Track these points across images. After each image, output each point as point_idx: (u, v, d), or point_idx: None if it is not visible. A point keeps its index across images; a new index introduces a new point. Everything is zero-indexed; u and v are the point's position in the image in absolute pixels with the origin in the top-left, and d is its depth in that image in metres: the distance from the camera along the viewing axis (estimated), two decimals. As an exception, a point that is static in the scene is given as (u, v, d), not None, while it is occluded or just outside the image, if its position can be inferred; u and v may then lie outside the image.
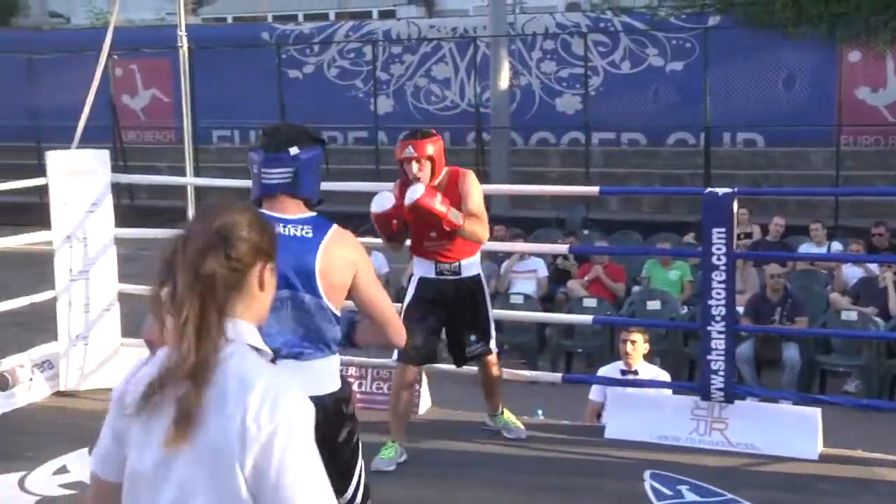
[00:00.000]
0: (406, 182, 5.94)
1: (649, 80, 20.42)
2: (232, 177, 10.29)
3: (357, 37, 23.06)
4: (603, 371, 7.63)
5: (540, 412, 7.23)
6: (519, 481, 5.72)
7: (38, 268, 7.64)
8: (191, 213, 10.20)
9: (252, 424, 2.12)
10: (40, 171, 7.62)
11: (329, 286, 3.71)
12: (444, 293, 6.10)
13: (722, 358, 6.15)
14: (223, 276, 2.28)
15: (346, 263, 3.75)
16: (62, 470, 6.29)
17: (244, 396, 2.16)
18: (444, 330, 6.25)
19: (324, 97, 22.40)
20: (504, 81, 19.86)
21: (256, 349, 2.37)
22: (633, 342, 7.28)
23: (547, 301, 12.00)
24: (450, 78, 22.39)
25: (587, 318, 9.46)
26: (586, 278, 12.05)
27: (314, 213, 3.84)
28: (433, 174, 5.95)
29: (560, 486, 5.69)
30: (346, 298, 3.87)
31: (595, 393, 7.35)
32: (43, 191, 7.60)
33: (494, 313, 8.01)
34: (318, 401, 2.98)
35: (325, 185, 4.16)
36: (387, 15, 25.83)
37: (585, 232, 14.55)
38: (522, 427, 6.37)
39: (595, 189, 11.69)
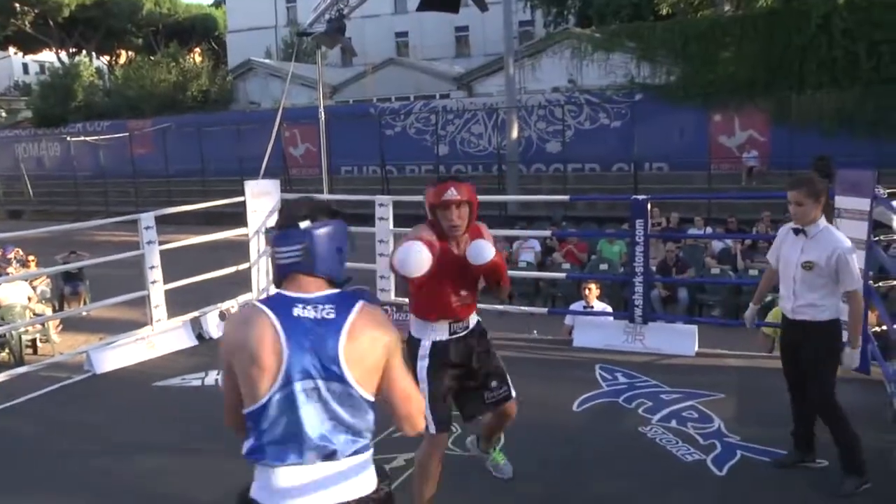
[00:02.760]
0: (433, 227, 3.45)
1: (601, 132, 20.44)
2: (346, 192, 10.52)
3: (426, 109, 23.11)
4: (572, 306, 7.67)
5: (535, 332, 7.26)
6: (517, 371, 5.81)
7: (241, 249, 7.75)
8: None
9: None
10: (241, 192, 7.69)
11: (361, 371, 2.15)
12: (458, 352, 3.55)
13: (641, 297, 6.24)
14: None
15: (377, 345, 2.18)
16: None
17: None
18: (456, 388, 3.64)
19: (406, 146, 22.54)
20: (514, 134, 19.83)
21: None
22: (590, 289, 7.34)
23: (540, 265, 12.04)
24: (482, 132, 22.39)
25: (563, 275, 9.56)
26: (563, 251, 12.12)
27: (337, 291, 2.27)
28: (470, 221, 3.47)
29: (546, 375, 5.77)
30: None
31: (568, 319, 7.39)
32: (242, 204, 7.69)
33: (510, 273, 7.83)
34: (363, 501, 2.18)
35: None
36: (444, 96, 25.85)
37: (564, 223, 14.53)
38: (510, 466, 4.07)
39: (566, 197, 11.80)
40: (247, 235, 7.70)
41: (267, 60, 33.63)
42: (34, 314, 10.48)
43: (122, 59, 45.40)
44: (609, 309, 7.40)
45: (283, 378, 2.11)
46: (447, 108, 23.20)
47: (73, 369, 6.55)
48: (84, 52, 43.80)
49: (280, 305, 2.17)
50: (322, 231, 2.25)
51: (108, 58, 46.71)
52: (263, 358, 2.10)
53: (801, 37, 18.63)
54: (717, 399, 5.03)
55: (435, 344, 3.53)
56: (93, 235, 17.36)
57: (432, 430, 3.43)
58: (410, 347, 3.55)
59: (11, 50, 48.15)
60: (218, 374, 6.14)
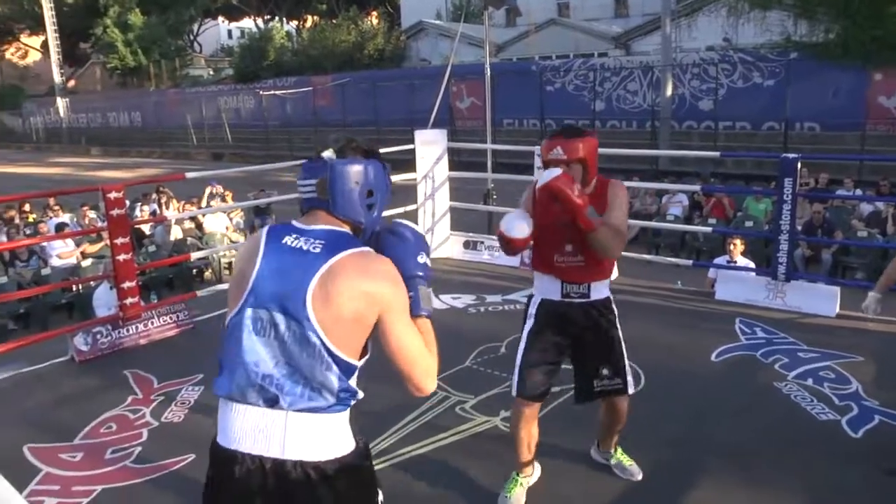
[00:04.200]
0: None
1: (753, 91, 19.16)
2: (507, 143, 10.47)
3: (585, 67, 22.48)
4: (716, 260, 7.39)
5: (679, 283, 7.04)
6: (660, 319, 5.67)
7: (409, 192, 7.86)
8: (489, 164, 10.42)
9: None
10: (411, 141, 7.76)
11: (331, 319, 1.71)
12: (570, 319, 3.06)
13: (785, 255, 5.90)
14: None
15: (363, 296, 1.71)
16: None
17: None
18: (567, 360, 3.19)
19: (565, 101, 22.07)
20: (669, 91, 19.05)
21: None
22: (735, 244, 7.03)
23: (687, 219, 11.61)
24: (637, 90, 21.53)
25: (709, 229, 9.13)
26: (710, 206, 11.61)
27: (342, 229, 1.84)
28: (585, 181, 2.93)
29: (686, 324, 5.61)
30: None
31: (711, 272, 7.15)
32: (411, 152, 7.77)
33: (655, 225, 7.17)
34: (302, 467, 1.74)
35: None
36: (602, 55, 25.10)
37: (712, 179, 13.90)
38: (637, 467, 3.43)
39: (717, 154, 11.19)
40: (415, 180, 7.82)
41: (437, 21, 33.71)
42: (231, 241, 11.42)
43: (308, 23, 47.15)
44: (752, 265, 7.04)
45: (243, 301, 1.79)
46: (605, 65, 22.47)
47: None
48: (276, 18, 46.28)
49: (277, 231, 1.85)
50: (348, 167, 1.83)
51: (296, 22, 48.77)
52: (239, 276, 1.83)
53: None
54: (856, 362, 4.70)
55: (543, 303, 3.10)
56: (279, 176, 18.27)
57: (514, 392, 3.11)
58: (527, 304, 3.22)
59: (220, 19, 51.41)
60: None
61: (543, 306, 3.11)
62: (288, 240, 1.80)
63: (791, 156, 5.90)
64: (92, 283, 8.96)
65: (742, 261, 7.01)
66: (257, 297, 1.77)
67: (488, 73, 10.63)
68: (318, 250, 1.76)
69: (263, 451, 1.76)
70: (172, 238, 11.30)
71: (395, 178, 8.20)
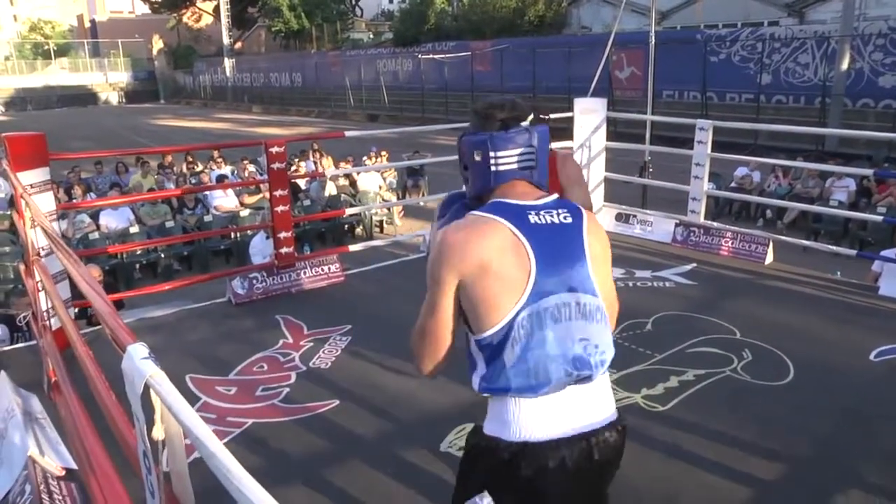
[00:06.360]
0: None
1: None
2: (666, 115, 10.15)
3: (753, 37, 21.30)
4: (884, 252, 6.87)
5: (838, 273, 6.62)
6: (814, 310, 5.37)
7: (564, 162, 7.75)
8: (648, 135, 10.12)
9: None
10: (567, 109, 7.65)
11: (600, 282, 1.78)
12: None
13: (969, 254, 5.43)
14: None
15: (606, 252, 1.83)
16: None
17: None
18: None
19: (729, 73, 21.07)
20: (845, 65, 17.74)
21: None
22: (907, 236, 6.53)
23: (852, 206, 10.86)
24: (809, 62, 20.20)
25: (879, 218, 8.50)
26: (883, 195, 10.79)
27: (554, 196, 1.80)
28: None
29: (844, 318, 5.28)
30: None
31: (876, 265, 6.66)
32: (567, 119, 7.65)
33: (816, 209, 6.65)
34: (612, 427, 1.81)
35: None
36: (773, 23, 23.65)
37: (885, 164, 12.90)
38: None
39: (897, 137, 10.32)
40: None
41: (599, -14, 32.93)
42: (383, 200, 11.82)
43: (470, -11, 47.25)
44: (926, 262, 6.51)
45: (531, 293, 1.66)
46: (775, 35, 21.19)
47: (410, 248, 7.25)
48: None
49: (510, 212, 1.71)
50: (546, 135, 1.83)
51: (457, -12, 48.99)
52: (507, 271, 1.66)
53: None
54: None
55: None
56: (433, 138, 18.65)
57: None
58: None
59: (382, -18, 52.70)
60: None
61: None
62: (532, 218, 1.72)
63: None
64: (249, 231, 9.54)
65: (915, 256, 6.50)
66: (546, 285, 1.68)
67: (653, 42, 10.35)
68: (568, 220, 1.75)
69: (587, 426, 1.77)
70: (327, 194, 11.80)
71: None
